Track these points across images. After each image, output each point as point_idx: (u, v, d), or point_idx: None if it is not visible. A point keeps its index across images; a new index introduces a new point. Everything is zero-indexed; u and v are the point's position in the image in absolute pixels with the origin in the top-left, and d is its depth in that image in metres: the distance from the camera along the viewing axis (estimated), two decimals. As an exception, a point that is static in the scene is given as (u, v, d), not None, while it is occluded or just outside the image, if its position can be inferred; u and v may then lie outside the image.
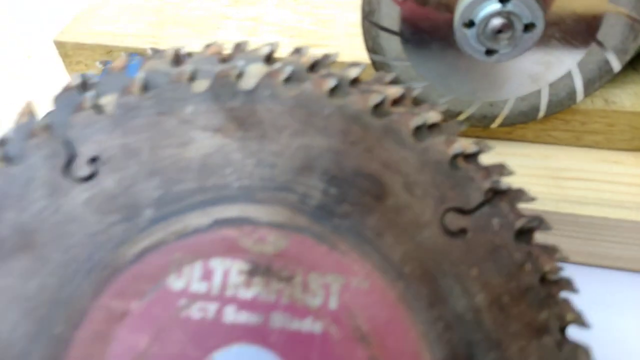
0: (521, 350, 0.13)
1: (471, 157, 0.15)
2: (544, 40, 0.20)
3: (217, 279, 0.13)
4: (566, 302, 0.14)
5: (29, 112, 0.15)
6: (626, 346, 0.20)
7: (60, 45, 0.26)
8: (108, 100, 0.15)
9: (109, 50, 0.26)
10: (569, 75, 0.21)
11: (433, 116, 0.15)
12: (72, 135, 0.14)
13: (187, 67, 0.15)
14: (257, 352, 0.13)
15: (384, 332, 0.13)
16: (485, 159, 0.20)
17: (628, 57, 0.20)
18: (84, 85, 0.15)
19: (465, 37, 0.19)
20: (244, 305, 0.13)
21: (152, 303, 0.13)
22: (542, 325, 0.13)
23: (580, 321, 0.13)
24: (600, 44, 0.20)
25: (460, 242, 0.14)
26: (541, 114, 0.22)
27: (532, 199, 0.15)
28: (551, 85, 0.21)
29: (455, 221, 0.14)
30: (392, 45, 0.21)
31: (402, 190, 0.14)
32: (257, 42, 0.22)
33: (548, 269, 0.14)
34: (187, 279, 0.13)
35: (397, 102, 0.16)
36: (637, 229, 0.21)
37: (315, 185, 0.14)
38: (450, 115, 0.22)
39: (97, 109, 0.15)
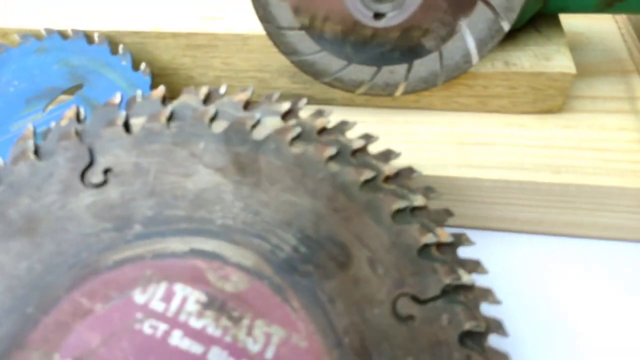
0: None
1: (445, 247, 0.16)
2: (431, 3, 0.20)
3: (175, 302, 0.14)
4: (494, 416, 0.14)
5: (71, 117, 0.17)
6: (533, 305, 0.21)
7: None
8: (137, 122, 0.17)
9: (4, 33, 0.25)
10: (460, 37, 0.20)
11: (419, 200, 0.16)
12: (97, 145, 0.16)
13: (212, 108, 0.17)
14: (189, 378, 0.14)
15: (308, 393, 0.14)
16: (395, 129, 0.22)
17: (514, 15, 0.19)
18: (122, 104, 0.17)
19: (353, 1, 0.20)
20: (190, 333, 0.14)
21: (113, 309, 0.14)
22: None
23: None
24: (486, 2, 0.19)
25: (405, 328, 0.14)
26: (440, 79, 0.22)
27: (497, 302, 0.15)
28: (445, 48, 0.21)
29: (406, 307, 0.15)
30: (283, 13, 0.21)
31: (365, 265, 0.15)
32: (152, 17, 0.25)
33: (484, 378, 0.14)
34: (150, 296, 0.14)
35: (389, 178, 0.17)
36: (538, 191, 0.21)
37: (288, 240, 0.15)
38: (352, 84, 0.22)
39: (126, 127, 0.17)
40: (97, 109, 0.17)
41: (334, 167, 0.16)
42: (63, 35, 0.25)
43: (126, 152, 0.16)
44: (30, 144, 0.16)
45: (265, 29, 0.21)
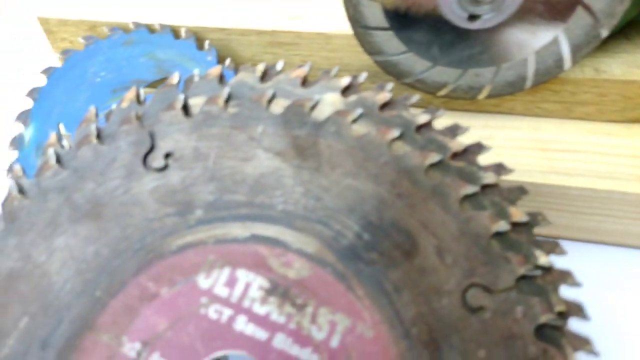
0: None
1: (520, 228, 0.15)
2: (529, 5, 0.19)
3: (239, 288, 0.14)
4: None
5: (131, 99, 0.17)
6: (619, 324, 0.20)
7: (44, 22, 0.26)
8: (195, 103, 0.17)
9: (92, 26, 0.26)
10: (555, 41, 0.20)
11: (489, 177, 0.15)
12: (157, 130, 0.16)
13: (269, 89, 0.16)
14: (254, 365, 0.14)
15: (375, 384, 0.13)
16: (474, 133, 0.21)
17: (615, 21, 0.19)
18: (182, 85, 0.17)
19: (448, 3, 0.19)
20: (255, 318, 0.14)
21: (179, 293, 0.14)
22: None
23: None
24: (586, 7, 0.19)
25: (476, 320, 0.14)
26: (528, 83, 0.21)
27: (578, 285, 0.14)
28: (537, 53, 0.20)
29: (477, 298, 0.14)
30: (374, 13, 0.20)
31: (433, 254, 0.14)
32: (237, 18, 0.24)
33: (561, 374, 0.13)
34: (214, 281, 0.14)
35: (457, 155, 0.16)
36: (627, 201, 0.20)
37: (351, 226, 0.15)
38: (435, 86, 0.22)
39: (185, 110, 0.16)
40: (157, 91, 0.17)
41: (397, 149, 0.16)
42: (150, 29, 0.26)
43: (186, 137, 0.16)
44: (93, 127, 0.16)
45: (353, 28, 0.21)
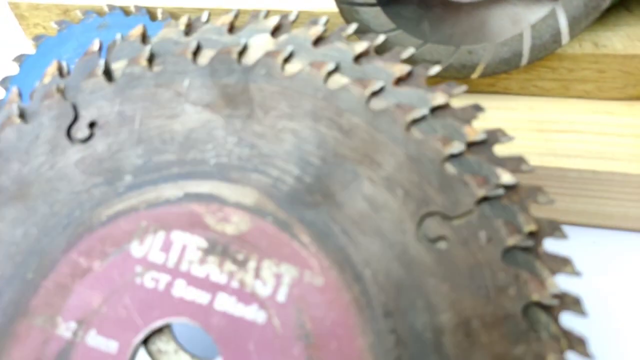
0: (481, 386, 0.11)
1: (478, 147, 0.13)
2: None
3: (175, 251, 0.13)
4: (553, 339, 0.11)
5: (53, 73, 0.16)
6: (619, 309, 0.19)
7: (15, 6, 0.25)
8: (118, 67, 0.15)
9: (66, 10, 0.25)
10: (552, 14, 0.18)
11: (438, 98, 0.14)
12: (80, 99, 0.15)
13: (193, 41, 0.15)
14: (196, 330, 0.12)
15: (328, 334, 0.12)
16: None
17: None
18: (102, 50, 0.16)
19: None
20: (194, 281, 0.13)
21: (112, 265, 0.13)
22: (515, 363, 0.11)
23: (564, 366, 0.11)
24: None
25: (436, 252, 0.12)
26: (524, 60, 0.20)
27: (550, 201, 0.13)
28: (533, 27, 0.19)
29: (435, 228, 0.12)
30: None
31: (382, 187, 0.13)
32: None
33: (537, 298, 0.12)
34: (148, 248, 0.13)
35: (403, 80, 0.14)
36: (628, 183, 0.19)
37: (290, 170, 0.13)
38: (426, 65, 0.20)
39: (107, 75, 0.15)
40: (78, 61, 0.16)
41: (334, 83, 0.14)
42: (125, 11, 0.25)
43: (109, 102, 0.15)
44: (15, 107, 0.15)
45: (338, 5, 0.20)
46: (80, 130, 0.15)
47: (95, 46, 0.16)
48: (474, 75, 0.20)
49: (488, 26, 0.20)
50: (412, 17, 0.20)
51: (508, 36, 0.19)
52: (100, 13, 0.25)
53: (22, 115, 0.15)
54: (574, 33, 0.19)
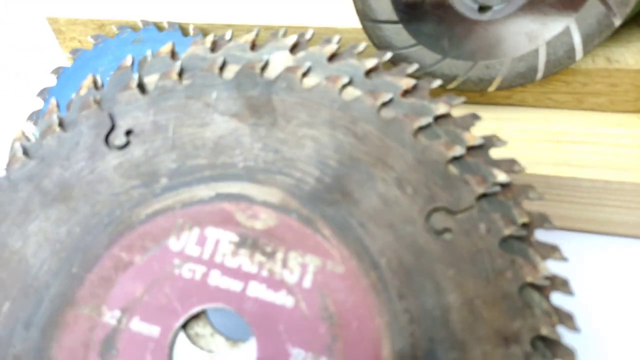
0: (484, 355, 0.13)
1: (476, 151, 0.15)
2: None
3: (209, 245, 0.15)
4: (546, 315, 0.13)
5: (89, 86, 0.17)
6: (629, 316, 0.20)
7: (53, 21, 0.26)
8: (150, 81, 0.17)
9: (101, 25, 0.26)
10: (567, 31, 0.19)
11: (441, 108, 0.16)
12: (116, 110, 0.17)
13: (219, 57, 0.17)
14: (231, 314, 0.14)
15: (350, 315, 0.13)
16: (484, 125, 0.21)
17: (628, 10, 0.18)
18: (135, 65, 0.18)
19: None
20: (228, 271, 0.14)
21: (152, 259, 0.15)
22: (513, 335, 0.13)
23: (554, 335, 0.13)
24: None
25: (442, 242, 0.14)
26: (539, 74, 0.21)
27: (539, 197, 0.15)
28: (548, 44, 0.20)
29: (441, 221, 0.14)
30: (383, 6, 0.20)
31: (393, 186, 0.15)
32: (246, 13, 0.24)
33: (530, 279, 0.13)
34: (184, 243, 0.15)
35: (409, 92, 0.16)
36: (638, 192, 0.19)
37: (311, 172, 0.15)
38: (445, 79, 0.21)
39: (141, 88, 0.17)
40: (112, 75, 0.17)
41: (349, 95, 0.16)
42: (159, 27, 0.26)
43: (144, 113, 0.16)
44: (55, 117, 0.17)
45: (362, 22, 0.21)
46: (118, 138, 0.16)
47: (128, 61, 0.17)
48: (491, 89, 0.21)
49: (505, 42, 0.20)
50: (431, 33, 0.21)
51: (524, 52, 0.20)
52: (134, 28, 0.26)
53: (62, 124, 0.17)
54: (587, 49, 0.20)
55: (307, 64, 0.16)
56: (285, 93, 0.16)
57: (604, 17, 0.19)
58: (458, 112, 0.23)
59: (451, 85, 0.22)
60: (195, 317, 0.14)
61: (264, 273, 0.14)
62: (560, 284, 0.14)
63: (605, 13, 0.19)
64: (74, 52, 0.26)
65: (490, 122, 0.23)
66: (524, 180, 0.20)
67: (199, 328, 0.14)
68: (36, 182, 0.16)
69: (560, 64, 0.20)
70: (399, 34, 0.21)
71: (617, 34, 0.22)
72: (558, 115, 0.22)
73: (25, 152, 0.16)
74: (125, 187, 0.16)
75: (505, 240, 0.14)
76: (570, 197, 0.21)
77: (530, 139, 0.22)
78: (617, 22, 0.19)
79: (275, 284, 0.14)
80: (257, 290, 0.14)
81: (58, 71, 0.25)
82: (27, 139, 0.17)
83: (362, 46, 0.17)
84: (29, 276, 0.15)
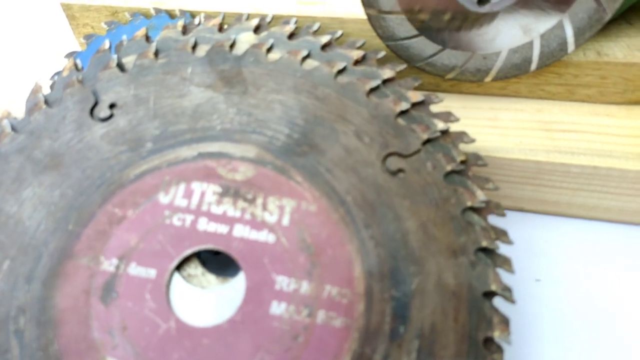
0: (438, 266, 0.15)
1: (418, 106, 0.18)
2: None
3: (195, 197, 0.16)
4: (484, 231, 0.16)
5: (70, 68, 0.19)
6: (617, 299, 0.21)
7: (67, 7, 0.27)
8: (128, 60, 0.19)
9: (114, 11, 0.26)
10: (560, 25, 0.20)
11: (387, 73, 0.18)
12: (98, 87, 0.18)
13: (191, 38, 0.19)
14: (215, 253, 0.16)
15: (324, 244, 0.16)
16: (478, 112, 0.23)
17: (617, 5, 0.20)
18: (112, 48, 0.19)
19: None
20: (214, 217, 0.16)
21: (143, 212, 0.16)
22: (460, 248, 0.16)
23: (492, 246, 0.16)
24: None
25: (397, 180, 0.17)
26: (533, 66, 0.22)
27: (472, 140, 0.17)
28: (542, 36, 0.21)
29: (395, 163, 0.17)
30: None
31: (352, 137, 0.17)
32: (253, 3, 0.25)
33: (470, 204, 0.16)
34: (173, 196, 0.16)
35: (359, 62, 0.19)
36: (625, 178, 0.21)
37: (281, 130, 0.17)
38: (444, 69, 0.23)
39: (120, 67, 0.19)
40: (92, 58, 0.19)
41: (309, 65, 0.18)
42: (171, 14, 0.26)
43: (125, 88, 0.18)
44: (40, 96, 0.18)
45: (367, 12, 0.21)
46: (103, 111, 0.18)
47: (106, 45, 0.19)
48: (488, 79, 0.22)
49: (501, 34, 0.21)
50: (432, 24, 0.21)
51: (519, 44, 0.21)
52: (147, 15, 0.27)
53: (47, 102, 0.18)
54: (579, 42, 0.21)
55: (270, 41, 0.19)
56: (254, 65, 0.18)
57: (595, 12, 0.20)
58: (454, 106, 0.25)
59: (449, 75, 0.23)
60: (188, 259, 0.16)
61: (247, 216, 0.16)
62: (494, 206, 0.16)
63: (595, 8, 0.20)
64: (88, 37, 0.26)
65: (487, 111, 0.24)
66: (519, 166, 0.22)
67: (191, 269, 0.16)
68: (27, 154, 0.17)
69: (553, 56, 0.21)
70: (401, 25, 0.21)
71: (607, 29, 0.23)
72: (550, 106, 0.24)
73: (14, 128, 0.18)
74: (114, 152, 0.17)
75: (448, 174, 0.17)
76: (560, 183, 0.22)
77: (524, 127, 0.23)
78: (607, 17, 0.20)
79: (257, 224, 0.16)
80: (242, 231, 0.16)
81: (71, 55, 0.26)
82: (15, 118, 0.18)
83: (316, 26, 0.20)
84: (26, 236, 0.16)
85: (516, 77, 0.23)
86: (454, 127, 0.23)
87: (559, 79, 0.23)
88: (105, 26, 0.26)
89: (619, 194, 0.22)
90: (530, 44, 0.21)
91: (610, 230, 0.23)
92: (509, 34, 0.21)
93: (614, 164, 0.20)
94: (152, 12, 0.27)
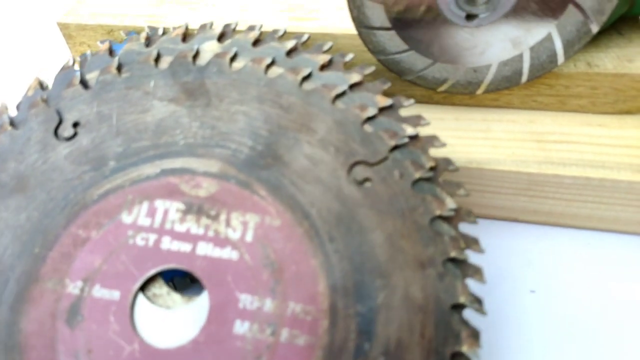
0: (405, 279, 0.15)
1: (387, 111, 0.17)
2: (523, 4, 0.20)
3: (159, 215, 0.16)
4: (454, 240, 0.15)
5: (35, 87, 0.19)
6: (612, 309, 0.21)
7: (64, 27, 0.27)
8: (92, 77, 0.19)
9: (110, 30, 0.26)
10: (548, 37, 0.21)
11: (354, 77, 0.18)
12: (62, 105, 0.18)
13: (154, 50, 0.19)
14: (184, 273, 0.15)
15: (288, 260, 0.15)
16: (471, 123, 0.23)
17: (604, 18, 0.20)
18: (77, 64, 0.19)
19: (446, 3, 0.20)
20: (177, 236, 0.16)
21: (107, 232, 0.16)
22: (427, 259, 0.15)
23: (462, 256, 0.15)
24: (576, 5, 0.19)
25: (363, 190, 0.16)
26: (524, 78, 0.22)
27: (443, 145, 0.17)
28: (532, 49, 0.21)
29: (361, 172, 0.16)
30: (377, 14, 0.21)
31: (317, 147, 0.17)
32: (245, 18, 0.25)
33: (439, 213, 0.16)
34: (136, 215, 0.16)
35: (326, 66, 0.18)
36: (618, 188, 0.21)
37: (245, 142, 0.17)
38: (435, 82, 0.23)
39: (84, 84, 0.18)
40: (56, 75, 0.19)
41: (273, 73, 0.18)
42: (166, 33, 0.25)
43: (88, 105, 0.18)
44: (6, 117, 0.18)
45: (357, 28, 0.22)
46: (66, 130, 0.18)
47: (70, 62, 0.19)
48: (479, 91, 0.23)
49: (491, 48, 0.21)
50: (423, 39, 0.21)
51: (509, 57, 0.21)
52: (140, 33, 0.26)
53: (12, 123, 0.18)
54: (568, 54, 0.21)
55: (234, 49, 0.18)
56: (217, 76, 0.18)
57: (582, 25, 0.20)
58: (446, 117, 0.24)
59: (441, 88, 0.23)
60: (152, 279, 0.16)
61: (210, 233, 0.16)
62: (465, 214, 0.16)
63: (583, 21, 0.20)
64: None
65: (480, 123, 0.24)
66: (511, 177, 0.22)
67: (155, 289, 0.16)
68: (-8, 177, 0.17)
69: (544, 68, 0.22)
70: (392, 40, 0.22)
71: (597, 40, 0.23)
72: (542, 116, 0.24)
73: (-21, 151, 0.18)
74: (77, 172, 0.17)
75: (416, 182, 0.16)
76: (553, 194, 0.22)
77: (516, 138, 0.23)
78: (595, 29, 0.20)
79: (220, 241, 0.16)
80: (205, 249, 0.16)
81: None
82: (-20, 140, 0.18)
83: (281, 31, 0.19)
84: (-7, 261, 0.16)
85: (508, 89, 0.23)
86: (445, 136, 0.23)
87: (550, 90, 0.23)
88: (101, 45, 0.26)
89: (612, 204, 0.21)
90: (520, 57, 0.21)
91: (604, 239, 0.23)
92: (498, 47, 0.21)
93: (607, 174, 0.20)
94: (147, 30, 0.27)
